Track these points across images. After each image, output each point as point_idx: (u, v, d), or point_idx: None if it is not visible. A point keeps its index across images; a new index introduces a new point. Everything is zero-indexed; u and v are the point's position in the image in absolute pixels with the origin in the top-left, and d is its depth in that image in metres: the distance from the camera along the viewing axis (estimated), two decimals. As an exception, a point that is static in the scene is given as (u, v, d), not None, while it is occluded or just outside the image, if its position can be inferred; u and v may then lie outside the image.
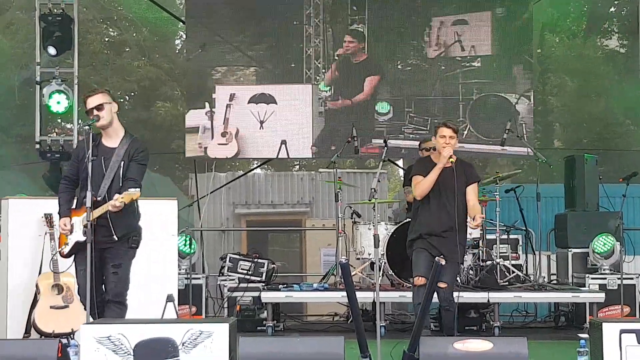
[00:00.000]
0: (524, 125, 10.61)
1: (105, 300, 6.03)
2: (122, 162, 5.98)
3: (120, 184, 5.95)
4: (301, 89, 10.78)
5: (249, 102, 10.72)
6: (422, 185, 6.89)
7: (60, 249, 6.16)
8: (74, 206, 6.10)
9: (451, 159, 6.78)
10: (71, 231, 6.00)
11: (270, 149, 10.67)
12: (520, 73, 10.84)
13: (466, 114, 10.61)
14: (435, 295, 6.46)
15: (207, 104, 10.69)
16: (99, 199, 5.92)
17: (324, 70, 10.81)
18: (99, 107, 6.03)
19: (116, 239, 5.93)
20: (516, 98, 10.67)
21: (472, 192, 6.89)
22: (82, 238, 5.93)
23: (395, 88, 10.80)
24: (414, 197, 7.07)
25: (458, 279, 7.85)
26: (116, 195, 5.82)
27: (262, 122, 10.62)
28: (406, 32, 10.92)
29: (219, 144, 10.63)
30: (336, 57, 10.80)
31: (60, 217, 6.07)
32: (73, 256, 6.10)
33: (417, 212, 7.05)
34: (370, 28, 10.83)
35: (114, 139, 6.10)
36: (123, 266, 6.03)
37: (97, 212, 5.89)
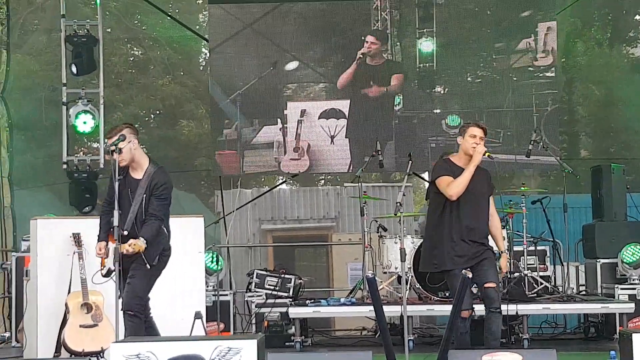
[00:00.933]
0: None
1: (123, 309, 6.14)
2: (145, 196, 6.11)
3: (144, 217, 6.10)
4: None
5: (319, 118, 10.90)
6: (459, 184, 6.40)
7: (100, 269, 6.28)
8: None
9: (487, 153, 6.47)
10: (107, 255, 6.15)
11: (340, 164, 10.76)
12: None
13: (541, 125, 10.55)
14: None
15: (279, 120, 10.85)
16: (125, 233, 6.08)
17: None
18: (118, 151, 6.17)
19: (149, 267, 6.08)
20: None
21: (491, 203, 6.63)
22: (112, 267, 6.06)
23: (465, 100, 10.84)
24: (451, 197, 6.47)
25: None
26: (131, 241, 5.99)
27: (332, 137, 10.75)
28: (476, 44, 10.94)
29: (291, 159, 10.85)
30: (360, 56, 10.86)
31: (97, 241, 6.25)
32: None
33: (443, 218, 6.53)
34: (438, 41, 10.88)
35: (138, 170, 6.28)
36: (136, 277, 6.12)
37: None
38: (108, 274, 6.17)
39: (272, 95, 10.93)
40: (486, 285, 6.36)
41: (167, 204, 6.26)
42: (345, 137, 10.85)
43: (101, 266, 6.28)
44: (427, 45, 10.91)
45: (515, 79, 10.78)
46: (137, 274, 6.11)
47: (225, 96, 10.92)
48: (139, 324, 6.13)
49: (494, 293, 6.37)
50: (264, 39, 11.04)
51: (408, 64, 10.96)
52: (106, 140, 6.42)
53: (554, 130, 10.50)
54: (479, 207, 6.50)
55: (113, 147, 6.15)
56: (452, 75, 10.94)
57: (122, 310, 6.10)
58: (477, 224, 6.48)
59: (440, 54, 10.86)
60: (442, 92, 10.94)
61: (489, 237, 6.69)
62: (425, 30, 10.92)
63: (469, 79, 10.97)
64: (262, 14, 11.01)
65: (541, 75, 10.75)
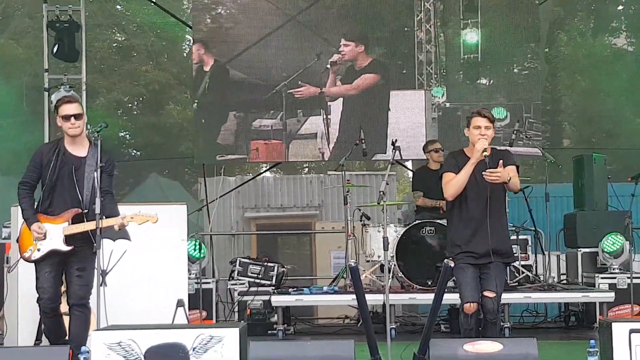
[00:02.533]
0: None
1: (69, 304, 6.04)
2: (96, 173, 5.97)
3: (97, 195, 5.92)
4: (414, 95, 10.84)
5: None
6: (454, 184, 6.00)
7: (26, 253, 6.05)
8: (50, 211, 6.07)
9: (485, 152, 5.92)
10: (44, 237, 5.99)
11: (384, 155, 10.70)
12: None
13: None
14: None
15: (322, 111, 10.86)
16: (86, 211, 5.97)
17: (436, 76, 10.83)
18: (78, 117, 6.09)
19: (94, 252, 5.90)
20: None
21: (511, 172, 5.96)
22: (63, 247, 5.95)
23: (511, 93, 10.76)
24: (447, 198, 6.15)
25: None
26: (125, 215, 5.94)
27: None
28: (522, 34, 10.86)
29: (334, 149, 10.82)
30: (327, 66, 10.83)
31: (30, 222, 6.01)
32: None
33: (453, 215, 6.16)
34: (483, 32, 10.81)
35: (80, 148, 6.13)
36: (87, 269, 5.99)
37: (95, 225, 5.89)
38: (43, 258, 5.98)
39: (316, 86, 10.89)
40: (485, 293, 5.98)
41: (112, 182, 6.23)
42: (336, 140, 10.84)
43: (24, 250, 6.03)
44: (471, 36, 10.80)
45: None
46: (89, 266, 5.98)
47: (269, 87, 10.88)
48: (88, 315, 6.05)
49: (491, 304, 5.96)
50: (308, 30, 10.99)
51: (452, 55, 10.88)
52: (58, 103, 6.25)
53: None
54: (484, 199, 5.99)
55: (96, 133, 6.10)
56: (497, 67, 10.86)
57: (75, 303, 5.98)
58: (482, 215, 5.98)
59: (485, 44, 10.78)
60: (486, 83, 10.88)
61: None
62: (469, 21, 10.82)
63: (515, 70, 10.88)
64: (307, 5, 10.98)
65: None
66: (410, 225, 8.85)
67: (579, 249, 9.60)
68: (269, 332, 8.80)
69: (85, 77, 9.95)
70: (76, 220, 5.99)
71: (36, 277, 6.06)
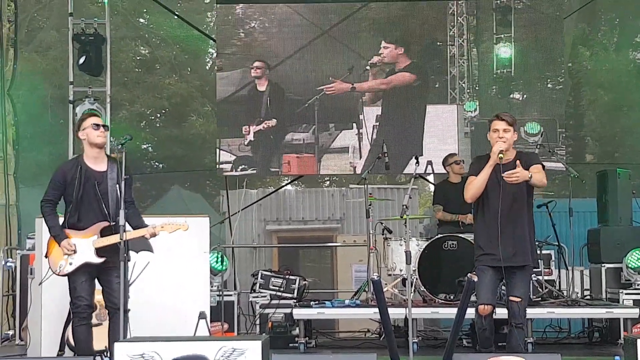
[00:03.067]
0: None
1: (111, 309, 6.21)
2: (118, 186, 6.17)
3: (121, 208, 6.09)
4: (446, 109, 10.86)
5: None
6: (472, 186, 6.12)
7: (57, 268, 6.20)
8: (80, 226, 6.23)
9: (501, 155, 6.00)
10: (75, 251, 6.16)
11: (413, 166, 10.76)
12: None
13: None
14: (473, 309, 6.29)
15: (354, 125, 10.93)
16: (113, 224, 6.14)
17: (468, 91, 10.83)
18: (105, 127, 6.34)
19: (128, 259, 6.08)
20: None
21: (534, 170, 6.04)
22: (95, 260, 6.14)
23: (545, 107, 10.73)
24: (466, 200, 6.27)
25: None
26: (156, 224, 6.16)
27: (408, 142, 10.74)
28: (554, 50, 10.85)
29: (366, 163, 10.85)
30: (367, 68, 10.80)
31: (60, 239, 6.19)
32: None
33: (477, 218, 6.30)
34: (516, 46, 10.81)
35: (100, 163, 6.32)
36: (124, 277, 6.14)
37: (130, 235, 6.12)
38: (75, 271, 6.15)
39: (348, 100, 10.98)
40: (510, 298, 6.13)
41: None
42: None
43: (54, 264, 6.20)
44: (504, 50, 10.81)
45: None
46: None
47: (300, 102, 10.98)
48: (127, 317, 6.16)
49: (516, 308, 6.09)
50: (340, 44, 11.07)
51: (485, 69, 10.89)
52: (84, 116, 6.41)
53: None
54: (506, 202, 6.06)
55: (120, 145, 6.18)
56: (531, 81, 10.85)
57: (119, 309, 6.09)
58: (504, 218, 6.06)
59: (518, 59, 10.77)
60: (520, 98, 10.87)
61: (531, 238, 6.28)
62: (502, 36, 10.84)
63: (549, 85, 10.83)
64: (339, 20, 11.06)
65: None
66: (432, 239, 8.82)
67: (602, 265, 9.53)
68: (291, 345, 8.77)
69: (109, 89, 10.02)
70: (105, 232, 6.18)
71: (72, 287, 6.23)
